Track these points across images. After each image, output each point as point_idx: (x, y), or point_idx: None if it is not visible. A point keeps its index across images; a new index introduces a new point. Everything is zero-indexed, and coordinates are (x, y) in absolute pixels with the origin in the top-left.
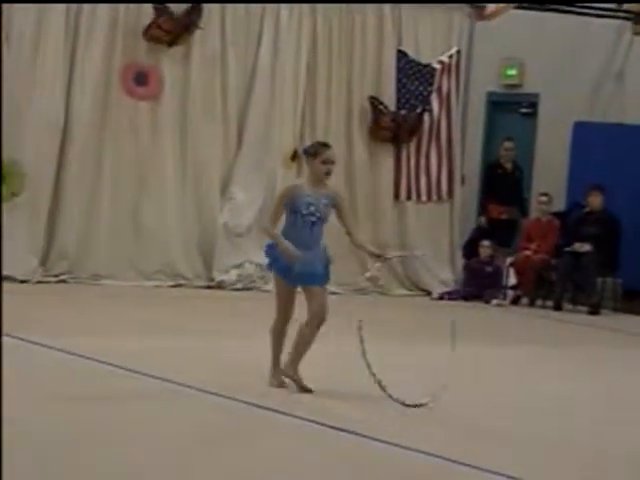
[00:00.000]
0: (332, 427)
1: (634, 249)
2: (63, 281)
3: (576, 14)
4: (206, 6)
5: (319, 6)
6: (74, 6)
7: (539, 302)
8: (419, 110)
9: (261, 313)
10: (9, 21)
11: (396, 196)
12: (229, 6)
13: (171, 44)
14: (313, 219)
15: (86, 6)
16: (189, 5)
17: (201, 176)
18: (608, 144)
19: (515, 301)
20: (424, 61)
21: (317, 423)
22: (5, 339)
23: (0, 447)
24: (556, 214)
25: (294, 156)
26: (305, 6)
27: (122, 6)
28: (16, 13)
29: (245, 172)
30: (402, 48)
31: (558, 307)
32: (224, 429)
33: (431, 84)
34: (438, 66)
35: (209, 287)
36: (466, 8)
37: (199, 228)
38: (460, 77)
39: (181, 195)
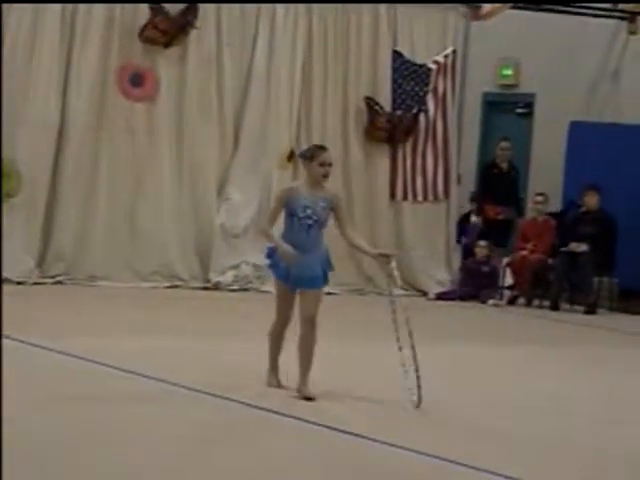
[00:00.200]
0: (329, 427)
1: (630, 249)
2: (59, 282)
3: (572, 14)
4: (202, 6)
5: (315, 6)
6: (70, 6)
7: (536, 302)
8: (415, 110)
9: (258, 314)
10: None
11: (392, 196)
12: (225, 6)
13: (167, 45)
14: (310, 222)
15: (82, 6)
16: (185, 5)
17: (197, 177)
18: (604, 144)
19: (512, 301)
20: (420, 61)
21: (314, 424)
22: (3, 341)
23: (0, 447)
24: (552, 214)
25: (290, 156)
26: (301, 6)
27: (118, 6)
28: (11, 13)
29: (241, 173)
30: (397, 48)
31: (555, 307)
32: (222, 430)
33: (427, 84)
34: (434, 66)
35: (205, 288)
36: (461, 8)
37: (195, 229)
38: (456, 77)
39: (177, 196)
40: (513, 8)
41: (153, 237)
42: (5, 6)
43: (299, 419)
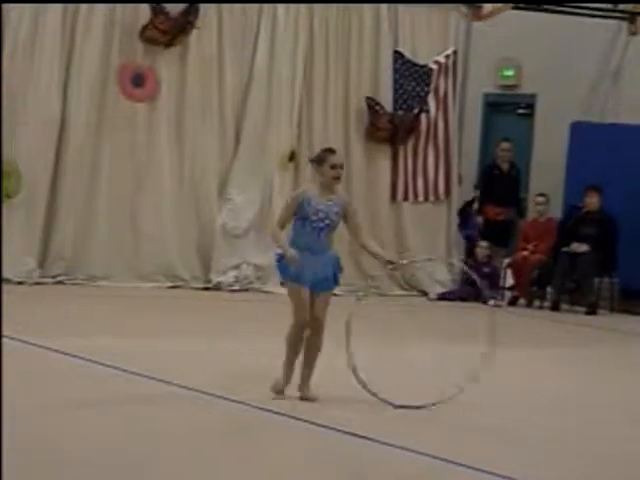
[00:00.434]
0: (331, 428)
1: (631, 249)
2: (60, 282)
3: (572, 15)
4: (202, 6)
5: (316, 6)
6: (71, 6)
7: (536, 302)
8: (416, 111)
9: (259, 314)
10: (6, 20)
11: (393, 196)
12: (226, 6)
13: (168, 45)
14: (322, 225)
15: (83, 6)
16: (185, 5)
17: (198, 177)
18: (605, 144)
19: (513, 302)
20: (421, 62)
21: (315, 424)
22: (3, 340)
23: (0, 447)
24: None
25: (291, 157)
26: (302, 6)
27: (119, 6)
28: (12, 13)
29: (242, 173)
30: (399, 49)
31: (555, 307)
32: (222, 432)
33: (428, 84)
34: (435, 66)
35: (206, 288)
36: (462, 8)
37: (196, 229)
38: (457, 78)
39: (178, 196)
40: (514, 9)
41: (154, 237)
42: (5, 6)
43: (300, 420)
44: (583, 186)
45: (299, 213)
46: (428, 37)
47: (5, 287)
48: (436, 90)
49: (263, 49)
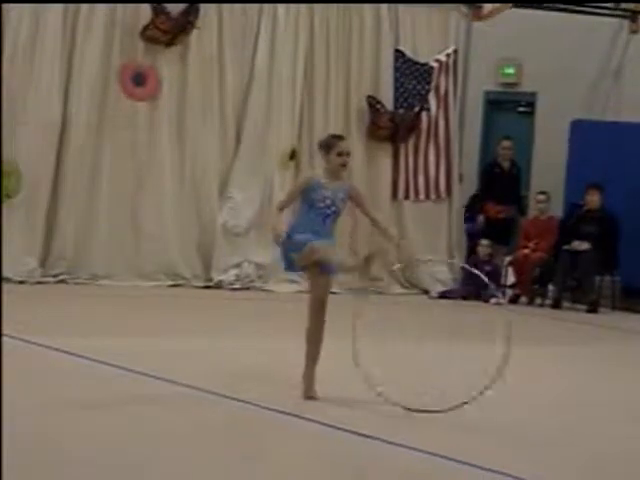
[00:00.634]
0: (333, 427)
1: (632, 247)
2: (62, 282)
3: (573, 12)
4: (203, 6)
5: (316, 6)
6: (72, 6)
7: (538, 300)
8: (417, 109)
9: (261, 313)
10: (6, 21)
11: (394, 195)
12: (226, 6)
13: (168, 44)
14: (328, 212)
15: (84, 5)
16: (186, 5)
17: (199, 176)
18: (606, 142)
19: (514, 300)
20: (421, 60)
21: (316, 422)
22: (4, 339)
23: (0, 447)
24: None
25: (292, 155)
26: (302, 6)
27: (120, 6)
28: (13, 12)
29: (243, 172)
30: (400, 47)
31: (557, 305)
32: (226, 430)
33: (429, 83)
34: (435, 65)
35: (208, 287)
36: (463, 8)
37: (197, 228)
38: (457, 76)
39: (179, 195)
40: (515, 7)
41: (155, 236)
42: (5, 6)
43: (303, 419)
44: (584, 184)
45: (305, 199)
46: (429, 36)
47: (6, 286)
48: (437, 88)
49: (264, 48)
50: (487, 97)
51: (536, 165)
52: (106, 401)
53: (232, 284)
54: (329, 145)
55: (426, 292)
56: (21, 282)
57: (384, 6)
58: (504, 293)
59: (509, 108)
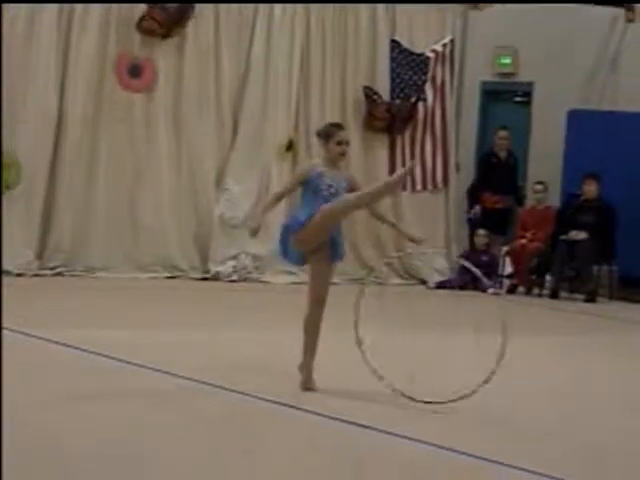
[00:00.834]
0: (330, 417)
1: (630, 237)
2: (59, 274)
3: (569, 2)
4: None
5: None
6: None
7: (535, 290)
8: (413, 99)
9: (258, 304)
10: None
11: None
12: None
13: (165, 36)
14: (333, 199)
15: None
16: None
17: (196, 168)
18: (603, 132)
19: (511, 290)
20: (418, 50)
21: (313, 413)
22: (3, 333)
23: (0, 445)
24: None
25: (289, 147)
26: None
27: None
28: (8, 5)
29: (240, 164)
30: (396, 38)
31: (554, 295)
32: (225, 422)
33: (425, 73)
34: (432, 55)
35: (205, 279)
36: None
37: (194, 220)
38: (454, 66)
39: (176, 187)
40: None
41: (152, 228)
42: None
43: (301, 410)
44: (581, 174)
45: (309, 187)
46: (425, 26)
47: (4, 279)
48: (433, 79)
49: (260, 40)
50: (484, 87)
51: (533, 155)
52: (105, 393)
53: (229, 276)
54: (328, 134)
55: (424, 282)
56: (19, 275)
57: None
58: (502, 283)
59: (506, 98)
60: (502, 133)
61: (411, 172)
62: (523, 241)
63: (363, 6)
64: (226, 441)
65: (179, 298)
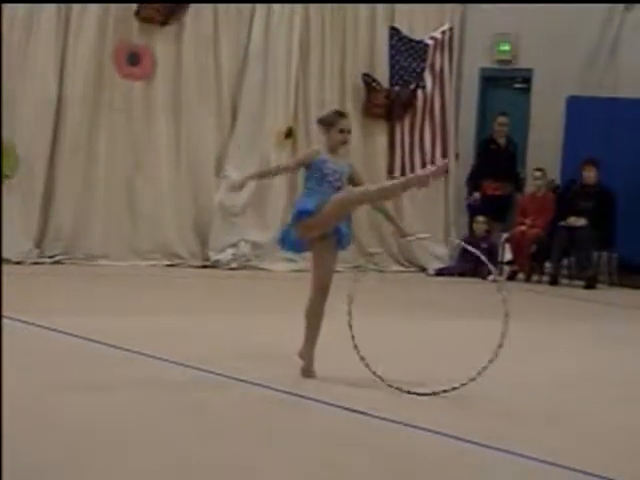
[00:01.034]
0: (332, 404)
1: (629, 223)
2: (58, 262)
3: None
4: None
5: None
6: None
7: (535, 277)
8: (412, 86)
9: (258, 292)
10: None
11: (390, 172)
12: None
13: (163, 24)
14: (337, 185)
15: None
16: None
17: (195, 155)
18: (602, 118)
19: (511, 277)
20: (417, 38)
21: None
22: (3, 321)
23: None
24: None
25: (288, 134)
26: None
27: None
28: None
29: (239, 151)
30: (395, 25)
31: (554, 282)
32: (224, 409)
33: (424, 60)
34: (431, 42)
35: (204, 266)
36: None
37: (194, 208)
38: (453, 53)
39: (175, 174)
40: None
41: (152, 216)
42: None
43: (302, 397)
44: (580, 160)
45: (314, 172)
46: (424, 13)
47: (4, 267)
48: (432, 66)
49: (259, 27)
50: (483, 74)
51: (532, 141)
52: (105, 381)
53: (229, 263)
54: (331, 122)
55: (423, 269)
56: (18, 263)
57: None
58: (501, 270)
59: (505, 85)
60: (501, 119)
61: (411, 159)
62: (522, 228)
63: None
64: (228, 429)
65: (179, 286)
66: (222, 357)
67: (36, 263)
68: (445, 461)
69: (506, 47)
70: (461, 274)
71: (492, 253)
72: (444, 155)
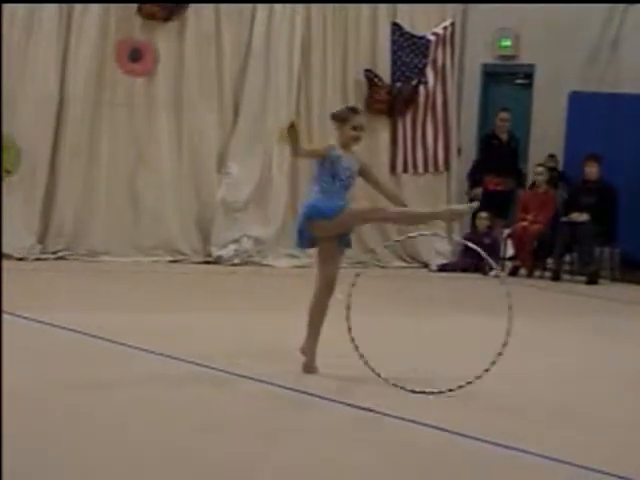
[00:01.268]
0: (333, 400)
1: (632, 218)
2: (61, 258)
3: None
4: None
5: None
6: None
7: (537, 273)
8: (414, 82)
9: (260, 288)
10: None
11: (392, 168)
12: None
13: (166, 20)
14: (348, 182)
15: None
16: None
17: (197, 152)
18: (604, 114)
19: (513, 272)
20: (419, 33)
21: (317, 396)
22: (4, 316)
23: (0, 422)
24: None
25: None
26: None
27: None
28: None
29: (241, 147)
30: (397, 20)
31: (556, 277)
32: (227, 405)
33: (426, 56)
34: (433, 38)
35: (207, 262)
36: None
37: (196, 204)
38: (455, 49)
39: (178, 171)
40: None
41: (154, 212)
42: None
43: (304, 393)
44: (582, 156)
45: (327, 169)
46: (425, 8)
47: (6, 263)
48: (434, 62)
49: (261, 23)
50: (484, 69)
51: (534, 137)
52: (107, 377)
53: (231, 259)
54: (344, 118)
55: (426, 265)
56: (20, 259)
57: None
58: (503, 266)
59: (507, 80)
60: (503, 115)
61: (413, 155)
62: (524, 223)
63: None
64: (230, 425)
65: (181, 282)
66: (224, 353)
67: (38, 259)
68: (447, 457)
69: (508, 43)
70: (464, 270)
71: (494, 249)
72: (446, 150)
